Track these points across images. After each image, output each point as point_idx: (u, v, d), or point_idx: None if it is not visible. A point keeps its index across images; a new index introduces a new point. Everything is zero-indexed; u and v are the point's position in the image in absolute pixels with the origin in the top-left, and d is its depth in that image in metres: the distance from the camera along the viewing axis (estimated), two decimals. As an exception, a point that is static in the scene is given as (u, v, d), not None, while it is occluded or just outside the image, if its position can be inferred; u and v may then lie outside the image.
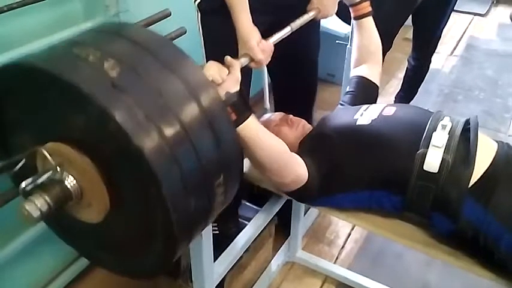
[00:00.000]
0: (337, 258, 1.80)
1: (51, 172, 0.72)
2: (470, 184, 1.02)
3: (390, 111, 1.19)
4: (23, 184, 0.71)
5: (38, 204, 0.69)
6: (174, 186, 0.68)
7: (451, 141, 1.06)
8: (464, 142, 1.07)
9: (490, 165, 1.04)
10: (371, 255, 1.81)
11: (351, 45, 1.78)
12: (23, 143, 0.81)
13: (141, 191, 0.72)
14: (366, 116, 1.19)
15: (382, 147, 1.11)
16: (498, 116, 2.70)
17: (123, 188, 0.74)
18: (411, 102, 2.43)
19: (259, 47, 1.14)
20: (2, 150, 0.86)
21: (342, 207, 1.17)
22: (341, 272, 1.69)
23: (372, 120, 1.16)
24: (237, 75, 1.00)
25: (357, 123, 1.17)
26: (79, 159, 0.71)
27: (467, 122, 1.12)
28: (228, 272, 1.36)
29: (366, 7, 1.38)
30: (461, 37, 3.65)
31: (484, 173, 1.03)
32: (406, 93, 2.45)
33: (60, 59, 0.71)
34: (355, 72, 1.42)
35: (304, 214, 1.76)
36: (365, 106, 1.25)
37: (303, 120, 1.34)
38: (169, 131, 0.68)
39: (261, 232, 1.48)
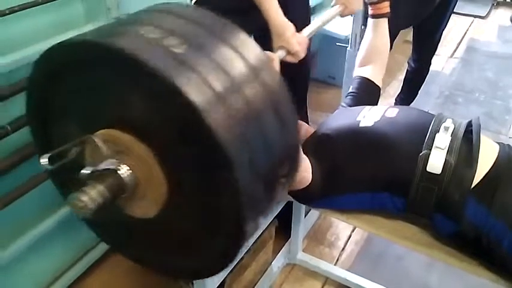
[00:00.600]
0: (337, 260, 1.80)
1: (108, 161, 0.67)
2: (473, 185, 1.02)
3: (393, 113, 1.19)
4: (81, 174, 0.67)
5: (93, 195, 0.65)
6: (245, 170, 0.62)
7: (453, 143, 1.06)
8: (466, 144, 1.07)
9: (492, 167, 1.04)
10: (372, 257, 1.81)
11: (351, 47, 1.79)
12: (68, 132, 0.75)
13: (207, 177, 0.66)
14: (368, 117, 1.19)
15: (385, 149, 1.11)
16: (499, 118, 2.70)
17: (184, 175, 0.68)
18: (411, 104, 2.43)
19: (294, 39, 1.14)
20: (44, 141, 0.81)
21: (344, 208, 1.17)
22: (342, 273, 1.69)
23: (375, 122, 1.16)
24: (278, 69, 0.99)
25: (360, 125, 1.17)
26: (135, 147, 0.66)
27: (469, 124, 1.12)
28: (229, 273, 1.36)
29: (386, 7, 1.38)
30: (462, 39, 3.66)
31: (486, 174, 1.03)
32: (407, 96, 2.45)
33: (119, 35, 0.64)
34: (359, 72, 1.42)
35: (305, 216, 1.76)
36: (367, 108, 1.25)
37: (305, 124, 1.35)
38: (238, 111, 0.62)
39: (261, 234, 1.48)
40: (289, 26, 1.16)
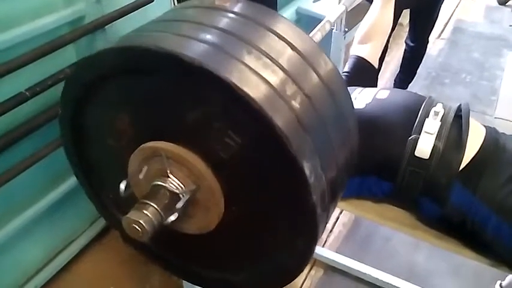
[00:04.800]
0: (325, 242, 1.82)
1: (162, 176, 0.60)
2: (460, 169, 1.03)
3: (384, 94, 1.19)
4: (122, 186, 0.61)
5: (149, 215, 0.58)
6: (319, 185, 0.56)
7: (443, 128, 1.06)
8: (455, 129, 1.07)
9: (478, 151, 1.04)
10: (359, 238, 1.83)
11: (336, 29, 1.77)
12: (105, 147, 0.69)
13: (277, 196, 0.60)
14: (359, 99, 1.18)
15: (376, 132, 1.10)
16: (484, 99, 2.72)
17: (247, 193, 0.62)
18: (411, 83, 2.44)
19: None
20: (80, 159, 0.74)
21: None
22: (329, 255, 1.71)
23: (366, 104, 1.15)
24: None
25: None
26: (190, 160, 0.59)
27: (459, 109, 1.12)
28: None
29: None
30: (449, 20, 3.65)
31: (473, 158, 1.04)
32: (406, 75, 2.46)
33: (184, 43, 0.56)
34: (356, 50, 1.39)
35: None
36: (359, 89, 1.24)
37: None
38: (315, 131, 0.56)
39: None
40: None
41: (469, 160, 1.03)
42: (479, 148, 1.05)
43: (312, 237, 0.60)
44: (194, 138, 0.59)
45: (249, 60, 0.54)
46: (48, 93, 1.37)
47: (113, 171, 0.69)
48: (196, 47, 0.54)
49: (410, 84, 2.50)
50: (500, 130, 1.13)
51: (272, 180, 0.58)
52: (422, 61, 2.45)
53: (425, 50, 2.37)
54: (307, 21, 2.70)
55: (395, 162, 1.06)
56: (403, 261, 1.73)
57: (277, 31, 0.60)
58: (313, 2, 2.61)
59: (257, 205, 0.63)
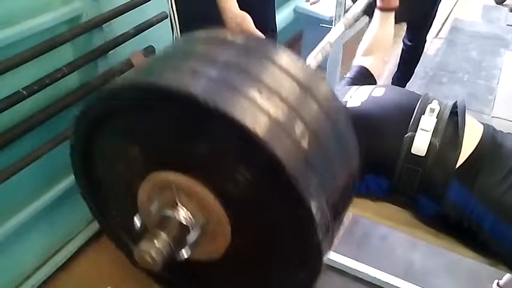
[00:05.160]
0: (323, 241, 1.82)
1: (171, 207, 0.61)
2: (457, 166, 1.03)
3: (379, 92, 1.19)
4: (137, 221, 0.62)
5: (160, 246, 0.58)
6: (321, 208, 0.57)
7: (439, 125, 1.06)
8: (451, 125, 1.07)
9: (475, 148, 1.04)
10: (356, 237, 1.83)
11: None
12: (118, 171, 0.70)
13: (279, 218, 0.61)
14: (355, 97, 1.18)
15: (372, 130, 1.10)
16: (482, 98, 2.72)
17: (251, 218, 0.63)
18: (409, 83, 2.44)
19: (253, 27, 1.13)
20: (86, 180, 0.75)
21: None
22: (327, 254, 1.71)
23: (362, 102, 1.15)
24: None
25: (347, 106, 1.16)
26: (200, 192, 0.60)
27: (454, 105, 1.12)
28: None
29: (395, 1, 1.36)
30: (446, 19, 3.65)
31: (470, 155, 1.04)
32: (403, 75, 2.46)
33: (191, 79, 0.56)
34: (359, 61, 1.41)
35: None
36: (354, 88, 1.24)
37: None
38: (313, 153, 0.57)
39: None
40: (247, 15, 1.14)
41: (466, 157, 1.03)
42: (477, 145, 1.05)
43: (315, 270, 0.61)
44: (205, 171, 0.60)
45: (259, 99, 0.55)
46: (46, 92, 1.37)
47: (122, 196, 0.70)
48: (207, 86, 0.55)
49: (408, 83, 2.51)
50: (498, 129, 1.13)
51: (279, 215, 0.60)
52: (420, 60, 2.45)
53: (423, 49, 2.38)
54: (304, 21, 2.71)
55: (392, 160, 1.07)
56: (400, 259, 1.74)
57: (284, 66, 0.61)
58: (310, 4, 2.62)
59: (263, 237, 0.65)
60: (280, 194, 0.55)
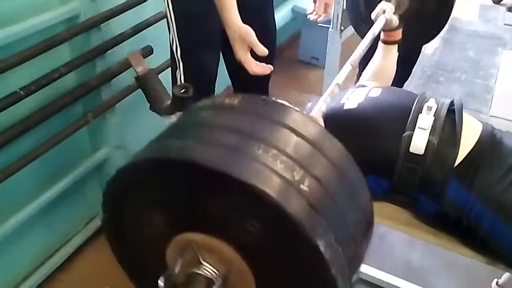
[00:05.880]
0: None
1: (195, 264, 0.66)
2: (456, 164, 1.03)
3: (376, 92, 1.19)
4: (161, 283, 0.67)
5: None
6: (339, 265, 0.62)
7: (436, 123, 1.06)
8: (449, 123, 1.07)
9: (474, 146, 1.05)
10: (356, 236, 1.83)
11: (333, 28, 1.77)
12: (148, 232, 0.75)
13: (299, 275, 0.66)
14: (352, 99, 1.18)
15: (370, 131, 1.11)
16: (480, 97, 2.73)
17: (269, 267, 0.67)
18: (407, 82, 2.44)
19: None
20: (119, 247, 0.81)
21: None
22: None
23: (359, 104, 1.16)
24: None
25: (344, 108, 1.17)
26: (219, 247, 0.65)
27: (451, 104, 1.12)
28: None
29: (398, 34, 1.38)
30: (444, 19, 3.66)
31: (469, 153, 1.04)
32: (401, 75, 2.45)
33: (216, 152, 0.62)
34: (363, 83, 1.42)
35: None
36: (351, 90, 1.25)
37: (285, 102, 1.35)
38: (334, 218, 0.62)
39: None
40: (250, 28, 1.15)
41: (465, 155, 1.04)
42: (476, 143, 1.05)
43: None
44: (220, 228, 0.65)
45: (262, 156, 0.61)
46: (43, 92, 1.36)
47: (152, 259, 0.75)
48: (218, 153, 0.61)
49: (405, 83, 2.51)
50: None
51: (294, 259, 0.64)
52: (418, 60, 2.45)
53: (421, 49, 2.38)
54: (302, 20, 2.71)
55: (391, 160, 1.07)
56: (399, 259, 1.74)
57: (284, 121, 0.67)
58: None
59: (285, 281, 0.69)
60: (289, 239, 0.60)
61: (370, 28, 1.33)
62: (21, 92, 1.28)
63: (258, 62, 1.15)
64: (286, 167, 0.60)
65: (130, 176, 0.68)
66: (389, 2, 1.40)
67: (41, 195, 1.49)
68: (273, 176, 0.59)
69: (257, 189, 0.57)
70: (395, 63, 1.44)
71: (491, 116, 2.55)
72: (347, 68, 1.06)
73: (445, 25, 1.60)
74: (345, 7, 1.67)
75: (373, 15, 1.33)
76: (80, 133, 1.54)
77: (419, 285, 1.53)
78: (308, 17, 1.53)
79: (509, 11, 3.79)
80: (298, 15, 2.67)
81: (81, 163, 1.62)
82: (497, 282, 1.51)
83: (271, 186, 0.58)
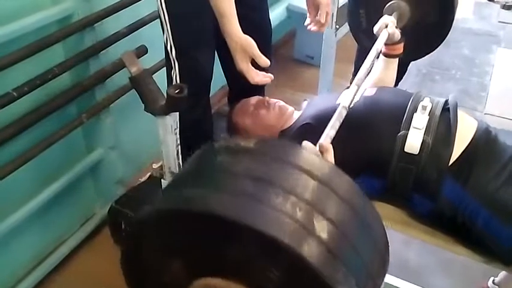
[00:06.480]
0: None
1: None
2: (450, 163, 1.03)
3: (371, 91, 1.19)
4: None
5: None
6: None
7: (431, 122, 1.07)
8: (444, 122, 1.08)
9: (469, 144, 1.05)
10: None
11: (328, 26, 1.77)
12: (166, 280, 0.76)
13: None
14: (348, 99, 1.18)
15: (365, 130, 1.11)
16: (475, 95, 2.73)
17: None
18: (401, 81, 2.45)
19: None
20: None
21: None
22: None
23: (355, 103, 1.16)
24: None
25: None
26: None
27: (446, 102, 1.13)
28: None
29: (400, 48, 1.37)
30: (439, 16, 3.67)
31: (463, 151, 1.04)
32: (396, 74, 2.46)
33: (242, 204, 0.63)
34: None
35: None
36: (346, 90, 1.24)
37: (279, 101, 1.35)
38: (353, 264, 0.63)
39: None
40: (252, 40, 1.15)
41: (460, 153, 1.04)
42: (470, 141, 1.05)
43: None
44: (240, 273, 0.66)
45: (281, 204, 0.61)
46: (37, 93, 1.35)
47: None
48: (238, 204, 0.62)
49: (400, 82, 2.51)
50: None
51: None
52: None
53: None
54: (297, 19, 2.70)
55: (386, 159, 1.07)
56: (394, 257, 1.73)
57: (300, 164, 0.67)
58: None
59: None
60: (311, 286, 0.61)
61: (369, 38, 1.33)
62: (14, 93, 1.27)
63: (258, 71, 1.16)
64: (306, 215, 0.61)
65: (150, 226, 0.69)
66: (391, 15, 1.39)
67: (35, 197, 1.48)
68: (293, 226, 0.60)
69: (278, 240, 0.58)
70: (395, 76, 1.43)
71: (486, 113, 2.56)
72: (353, 89, 1.07)
73: (445, 37, 1.59)
74: (339, 6, 1.67)
75: (375, 29, 1.32)
76: (74, 134, 1.53)
77: (416, 284, 1.53)
78: (309, 27, 1.51)
79: (503, 8, 3.80)
80: (293, 14, 2.67)
81: (75, 164, 1.61)
82: (493, 280, 1.51)
83: (291, 237, 0.58)
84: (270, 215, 0.60)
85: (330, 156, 0.88)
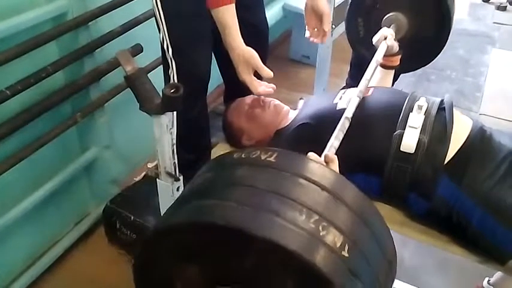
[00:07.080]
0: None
1: None
2: (445, 162, 1.04)
3: (368, 92, 1.20)
4: None
5: None
6: None
7: (427, 122, 1.07)
8: (439, 122, 1.08)
9: (464, 143, 1.05)
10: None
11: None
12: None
13: None
14: (344, 99, 1.19)
15: (361, 130, 1.11)
16: (470, 95, 2.74)
17: None
18: (397, 81, 2.45)
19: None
20: None
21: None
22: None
23: None
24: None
25: (337, 108, 1.17)
26: None
27: (442, 102, 1.13)
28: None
29: (397, 60, 1.39)
30: (434, 17, 3.68)
31: (458, 150, 1.05)
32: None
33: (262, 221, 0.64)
34: None
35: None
36: (343, 90, 1.25)
37: (274, 100, 1.35)
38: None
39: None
40: (254, 52, 1.15)
41: (455, 152, 1.04)
42: (465, 140, 1.06)
43: None
44: (255, 284, 0.67)
45: (305, 222, 0.62)
46: (31, 91, 1.34)
47: None
48: (245, 214, 0.63)
49: (396, 82, 2.51)
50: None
51: None
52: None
53: None
54: (293, 18, 2.70)
55: (381, 159, 1.07)
56: (390, 257, 1.74)
57: (322, 183, 0.68)
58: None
59: None
60: None
61: (366, 47, 1.33)
62: (7, 92, 1.26)
63: (261, 82, 1.17)
64: (329, 234, 0.62)
65: (166, 237, 0.70)
66: (389, 27, 1.40)
67: (29, 196, 1.46)
68: (319, 245, 0.61)
69: (305, 260, 0.59)
70: (391, 85, 1.45)
71: (481, 114, 2.57)
72: (355, 100, 1.07)
73: (440, 51, 1.61)
74: (335, 6, 1.67)
75: (374, 41, 1.32)
76: (68, 133, 1.52)
77: (411, 284, 1.53)
78: (311, 39, 1.51)
79: (498, 9, 3.82)
80: (289, 14, 2.67)
81: (70, 163, 1.60)
82: (488, 281, 1.51)
83: (317, 257, 0.60)
84: (297, 235, 0.61)
85: (335, 167, 0.89)
